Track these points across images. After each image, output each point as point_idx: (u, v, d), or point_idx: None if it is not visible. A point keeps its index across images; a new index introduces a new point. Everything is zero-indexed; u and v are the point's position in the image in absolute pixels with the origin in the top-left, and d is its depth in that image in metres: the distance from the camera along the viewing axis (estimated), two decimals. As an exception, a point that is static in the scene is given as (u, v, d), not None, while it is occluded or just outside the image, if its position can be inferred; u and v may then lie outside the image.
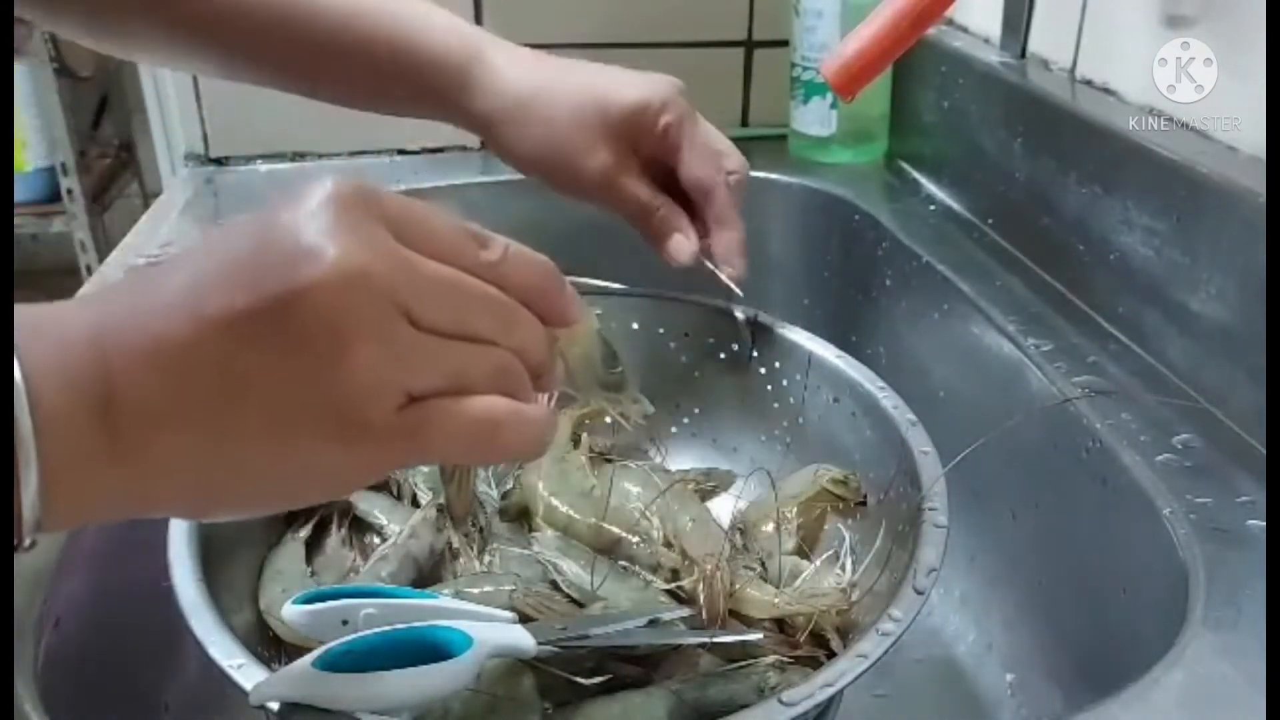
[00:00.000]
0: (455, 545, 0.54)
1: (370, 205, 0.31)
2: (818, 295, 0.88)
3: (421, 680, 0.36)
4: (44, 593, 0.48)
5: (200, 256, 0.31)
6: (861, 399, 0.58)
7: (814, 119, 0.91)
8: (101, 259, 1.42)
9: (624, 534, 0.55)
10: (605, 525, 0.55)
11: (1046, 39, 0.77)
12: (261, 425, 0.30)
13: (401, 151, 0.95)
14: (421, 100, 0.60)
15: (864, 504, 0.56)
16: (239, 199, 0.87)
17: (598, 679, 0.44)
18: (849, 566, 0.52)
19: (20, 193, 2.20)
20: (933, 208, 0.84)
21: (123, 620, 0.53)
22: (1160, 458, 0.53)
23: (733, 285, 0.61)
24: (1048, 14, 0.77)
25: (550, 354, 0.36)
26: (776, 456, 0.63)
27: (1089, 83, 0.72)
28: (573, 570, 0.52)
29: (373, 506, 0.57)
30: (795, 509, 0.56)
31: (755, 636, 0.47)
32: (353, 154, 0.94)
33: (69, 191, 2.19)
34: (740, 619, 0.50)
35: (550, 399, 0.42)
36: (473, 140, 0.91)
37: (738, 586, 0.50)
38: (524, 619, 0.44)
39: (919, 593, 0.43)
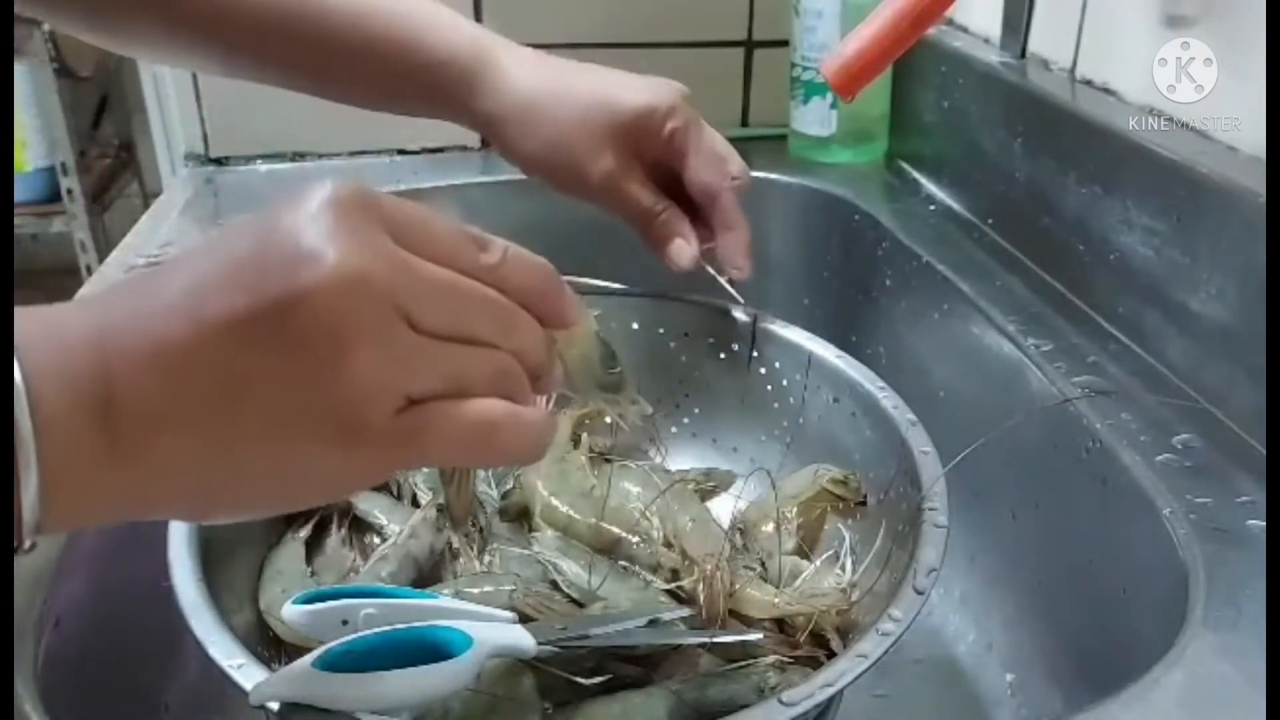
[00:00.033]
0: (455, 545, 0.54)
1: (369, 209, 0.31)
2: (818, 295, 0.88)
3: (421, 680, 0.36)
4: (44, 593, 0.48)
5: (200, 259, 0.31)
6: (861, 399, 0.58)
7: (814, 119, 0.91)
8: (101, 259, 1.42)
9: (624, 534, 0.55)
10: (605, 525, 0.55)
11: (1046, 39, 0.77)
12: (261, 428, 0.30)
13: (401, 151, 0.95)
14: (427, 100, 0.60)
15: (864, 504, 0.56)
16: (239, 199, 0.87)
17: (598, 679, 0.44)
18: (849, 566, 0.52)
19: (20, 193, 2.20)
20: (933, 208, 0.84)
21: (123, 620, 0.53)
22: (1160, 458, 0.53)
23: (732, 290, 0.62)
24: (1048, 14, 0.77)
25: (549, 356, 0.36)
26: (776, 456, 0.63)
27: (1089, 83, 0.72)
28: (573, 570, 0.52)
29: (373, 506, 0.57)
30: (795, 509, 0.56)
31: (755, 636, 0.47)
32: (353, 154, 0.94)
33: (69, 191, 2.19)
34: (740, 619, 0.50)
35: (548, 401, 0.42)
36: (473, 140, 0.91)
37: (738, 586, 0.50)
38: (524, 619, 0.44)
39: (919, 593, 0.43)
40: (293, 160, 0.94)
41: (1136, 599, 0.52)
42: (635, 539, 0.54)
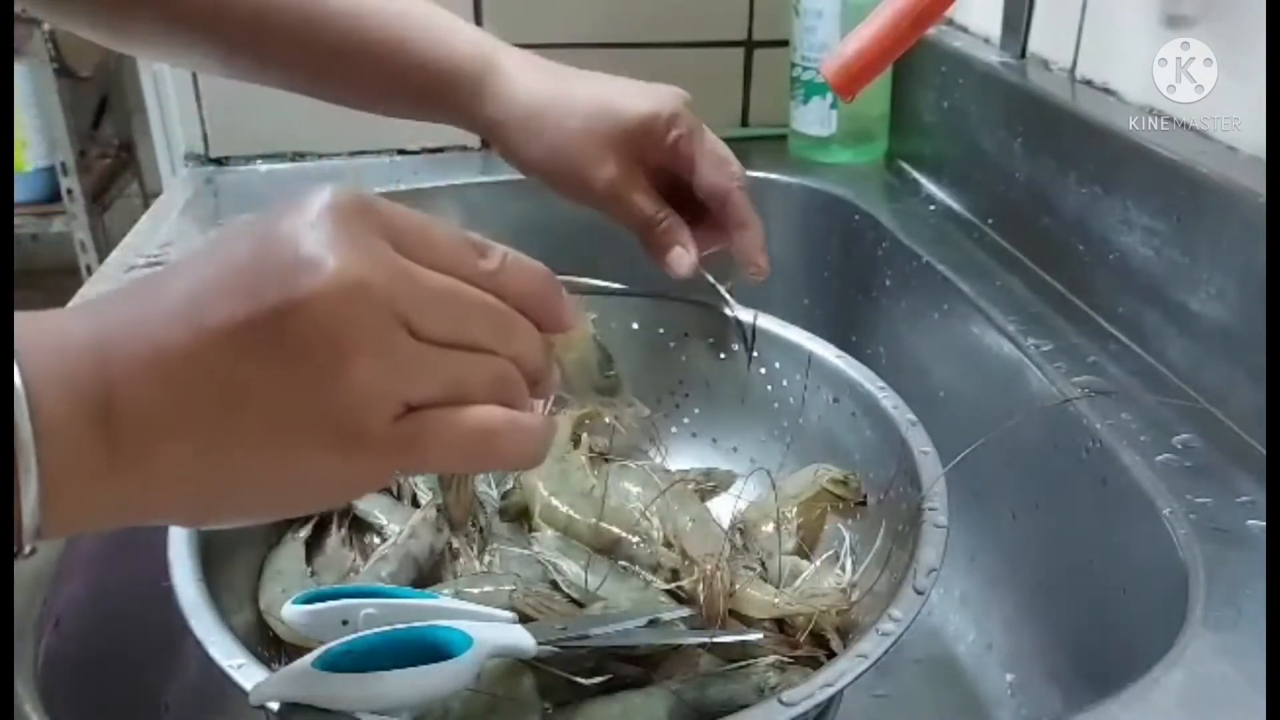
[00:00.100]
0: (455, 545, 0.54)
1: (369, 215, 0.31)
2: (818, 295, 0.88)
3: (421, 680, 0.36)
4: (44, 593, 0.48)
5: (200, 264, 0.31)
6: (861, 399, 0.58)
7: (814, 119, 0.91)
8: (101, 259, 1.42)
9: (624, 534, 0.55)
10: (605, 525, 0.55)
11: (1046, 39, 0.77)
12: (261, 435, 0.30)
13: (401, 151, 0.95)
14: (429, 104, 0.60)
15: (864, 504, 0.56)
16: (239, 199, 0.87)
17: (598, 679, 0.44)
18: (849, 566, 0.52)
19: (20, 193, 2.20)
20: (933, 208, 0.84)
21: (123, 620, 0.53)
22: (1160, 458, 0.53)
23: (730, 299, 0.63)
24: (1048, 14, 0.77)
25: (547, 361, 0.36)
26: (776, 456, 0.63)
27: (1089, 83, 0.72)
28: (573, 570, 0.52)
29: (373, 507, 0.57)
30: (795, 509, 0.56)
31: (755, 636, 0.47)
32: (353, 154, 0.94)
33: (69, 191, 2.19)
34: (740, 619, 0.50)
35: (546, 405, 0.42)
36: (473, 140, 0.91)
37: (738, 586, 0.50)
38: (524, 619, 0.44)
39: (919, 593, 0.43)
40: (293, 160, 0.94)
41: (1136, 599, 0.52)
42: (635, 539, 0.54)
